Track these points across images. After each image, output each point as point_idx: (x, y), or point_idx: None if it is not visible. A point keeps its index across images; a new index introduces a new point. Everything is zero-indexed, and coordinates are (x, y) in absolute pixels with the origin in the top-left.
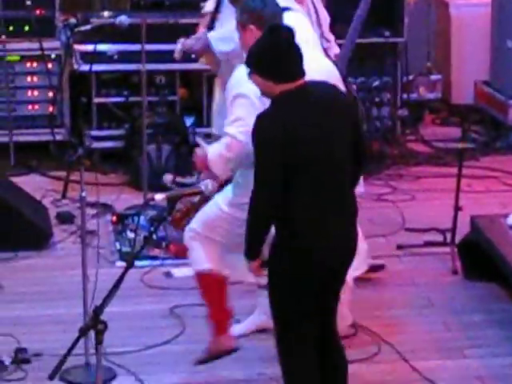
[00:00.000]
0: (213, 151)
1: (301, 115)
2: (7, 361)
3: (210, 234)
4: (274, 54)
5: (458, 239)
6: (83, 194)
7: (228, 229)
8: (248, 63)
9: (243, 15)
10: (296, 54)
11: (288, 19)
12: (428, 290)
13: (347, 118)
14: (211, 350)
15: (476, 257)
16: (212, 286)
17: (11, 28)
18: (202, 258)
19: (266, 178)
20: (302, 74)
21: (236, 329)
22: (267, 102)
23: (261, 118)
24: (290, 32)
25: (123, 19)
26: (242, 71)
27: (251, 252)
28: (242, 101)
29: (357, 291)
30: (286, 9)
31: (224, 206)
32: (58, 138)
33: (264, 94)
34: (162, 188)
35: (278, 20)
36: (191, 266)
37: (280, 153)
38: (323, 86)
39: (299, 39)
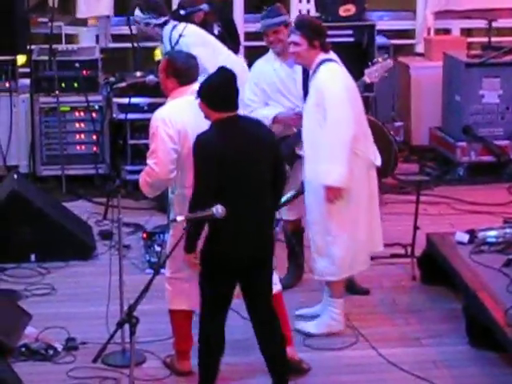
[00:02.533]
0: (141, 177)
1: (230, 139)
2: (59, 348)
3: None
4: (215, 89)
5: (417, 252)
6: (120, 215)
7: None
8: (198, 92)
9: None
10: (232, 92)
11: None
12: (393, 292)
13: (267, 145)
14: (169, 363)
15: (431, 266)
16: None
17: (63, 85)
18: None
19: (201, 185)
20: (235, 108)
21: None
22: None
23: (200, 137)
24: (231, 74)
25: (151, 78)
26: (158, 111)
27: (188, 246)
28: (154, 137)
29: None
30: (328, 60)
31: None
32: (101, 171)
33: (206, 117)
34: None
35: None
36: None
37: (212, 166)
38: (251, 120)
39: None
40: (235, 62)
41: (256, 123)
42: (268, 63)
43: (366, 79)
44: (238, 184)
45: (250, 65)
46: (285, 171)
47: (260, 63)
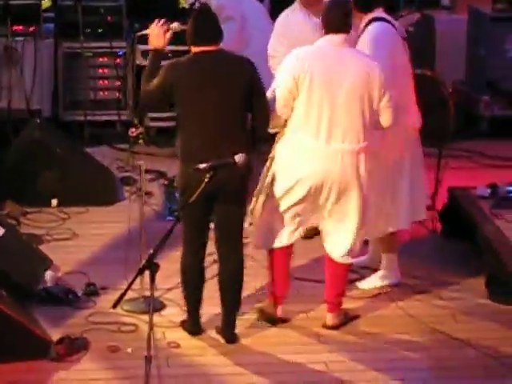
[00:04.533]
0: None
1: (194, 65)
2: (79, 293)
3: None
4: (191, 24)
5: (438, 206)
6: (141, 162)
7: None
8: None
9: None
10: (205, 25)
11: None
12: (413, 245)
13: (241, 78)
14: (264, 310)
15: (452, 220)
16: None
17: (87, 30)
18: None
19: (154, 88)
20: (210, 41)
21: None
22: None
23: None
24: (206, 9)
25: (176, 25)
26: None
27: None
28: None
29: None
30: (377, 19)
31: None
32: (123, 118)
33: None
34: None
35: None
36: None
37: (168, 79)
38: (227, 54)
39: None
40: (258, 9)
41: (232, 58)
42: (294, 14)
43: None
44: (194, 106)
45: (274, 16)
46: (264, 103)
47: (286, 14)
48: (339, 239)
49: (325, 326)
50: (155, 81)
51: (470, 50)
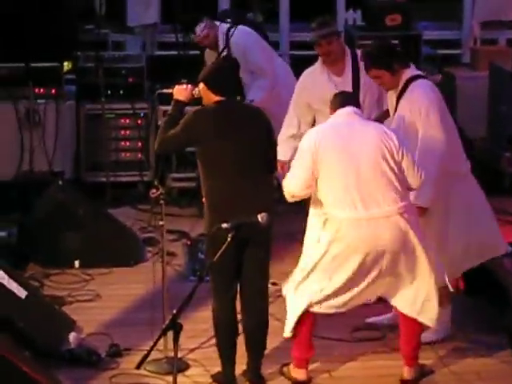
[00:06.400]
0: None
1: (223, 116)
2: (103, 354)
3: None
4: (219, 73)
5: None
6: (163, 222)
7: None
8: (201, 76)
9: None
10: (234, 78)
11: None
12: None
13: (258, 128)
14: (284, 372)
15: (475, 278)
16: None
17: (109, 92)
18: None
19: (180, 135)
20: (234, 94)
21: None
22: None
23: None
24: (235, 63)
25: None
26: None
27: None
28: None
29: None
30: (417, 76)
31: None
32: (145, 178)
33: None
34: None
35: None
36: None
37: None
38: (247, 105)
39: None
40: (288, 69)
41: (252, 108)
42: (316, 74)
43: None
44: (219, 155)
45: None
46: (276, 158)
47: (309, 75)
48: (410, 295)
49: (402, 380)
50: (179, 128)
51: (492, 107)
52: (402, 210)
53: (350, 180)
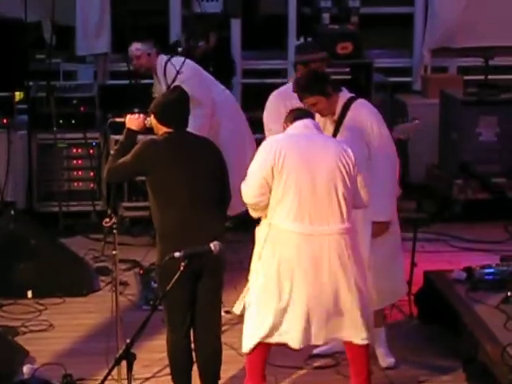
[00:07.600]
0: None
1: (173, 149)
2: None
3: None
4: (169, 105)
5: (414, 290)
6: (114, 252)
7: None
8: (151, 108)
9: None
10: (184, 110)
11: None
12: (390, 329)
13: (209, 161)
14: None
15: (428, 304)
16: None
17: (61, 121)
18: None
19: (128, 165)
20: (184, 126)
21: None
22: None
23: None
24: (185, 94)
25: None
26: None
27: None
28: None
29: None
30: (354, 98)
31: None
32: (98, 208)
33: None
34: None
35: None
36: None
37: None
38: (196, 136)
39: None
40: (229, 97)
41: (200, 138)
42: (288, 91)
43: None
44: (170, 185)
45: (246, 101)
46: (228, 186)
47: (279, 92)
48: (351, 323)
49: None
50: (129, 157)
51: (443, 134)
52: (345, 231)
53: (303, 193)
